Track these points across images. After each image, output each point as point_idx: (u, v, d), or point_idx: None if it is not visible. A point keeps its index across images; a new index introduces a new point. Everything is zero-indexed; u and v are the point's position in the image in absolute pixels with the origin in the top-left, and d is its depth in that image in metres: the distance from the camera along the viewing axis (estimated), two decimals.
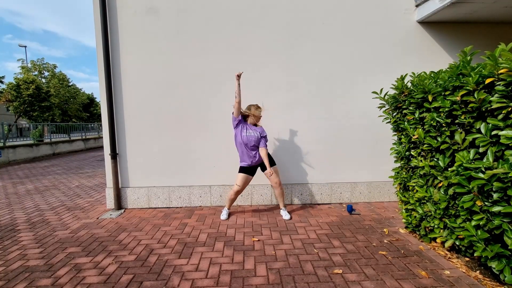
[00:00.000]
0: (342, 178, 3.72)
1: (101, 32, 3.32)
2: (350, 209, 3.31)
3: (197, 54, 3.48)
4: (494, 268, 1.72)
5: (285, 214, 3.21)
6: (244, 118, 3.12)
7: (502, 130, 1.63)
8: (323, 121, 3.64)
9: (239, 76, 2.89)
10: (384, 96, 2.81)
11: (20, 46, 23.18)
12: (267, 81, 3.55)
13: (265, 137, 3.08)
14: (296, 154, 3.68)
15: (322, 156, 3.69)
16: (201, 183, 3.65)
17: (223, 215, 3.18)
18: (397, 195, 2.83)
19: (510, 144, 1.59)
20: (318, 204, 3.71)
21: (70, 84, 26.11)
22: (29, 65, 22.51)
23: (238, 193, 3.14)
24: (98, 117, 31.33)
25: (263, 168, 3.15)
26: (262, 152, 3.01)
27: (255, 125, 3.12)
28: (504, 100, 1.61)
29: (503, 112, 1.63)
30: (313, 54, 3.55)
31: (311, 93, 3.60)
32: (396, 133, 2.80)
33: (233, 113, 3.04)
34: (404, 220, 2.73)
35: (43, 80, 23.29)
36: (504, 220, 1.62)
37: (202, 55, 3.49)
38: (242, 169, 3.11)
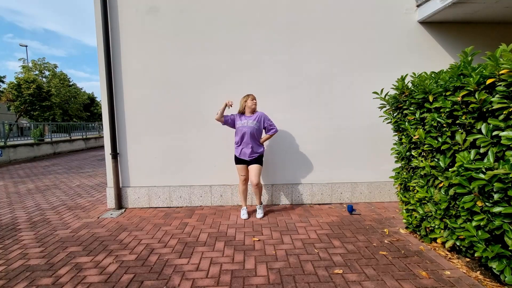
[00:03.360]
0: (343, 178, 3.72)
1: (102, 32, 3.32)
2: (351, 209, 3.31)
3: (197, 54, 3.48)
4: (495, 268, 1.72)
5: (259, 213, 3.24)
6: (242, 112, 3.15)
7: (503, 130, 1.62)
8: (323, 121, 3.63)
9: (229, 105, 2.98)
10: (385, 96, 2.81)
11: (21, 45, 23.19)
12: (268, 81, 3.55)
13: (269, 122, 3.13)
14: (296, 154, 3.68)
15: (323, 156, 3.69)
16: (202, 183, 3.66)
17: (243, 214, 3.20)
18: (398, 195, 2.82)
19: (511, 145, 1.59)
20: (319, 204, 3.71)
21: (71, 83, 26.16)
22: (30, 64, 22.53)
23: (246, 181, 3.21)
24: (98, 117, 31.37)
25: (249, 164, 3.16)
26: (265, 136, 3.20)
27: (253, 112, 3.12)
28: (505, 101, 1.61)
29: (504, 112, 1.63)
30: (314, 54, 3.55)
31: (312, 93, 3.60)
32: (396, 133, 2.79)
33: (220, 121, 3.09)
34: (404, 221, 2.73)
35: (44, 80, 23.31)
36: (505, 221, 1.62)
37: (203, 55, 3.49)
38: (235, 160, 3.20)
